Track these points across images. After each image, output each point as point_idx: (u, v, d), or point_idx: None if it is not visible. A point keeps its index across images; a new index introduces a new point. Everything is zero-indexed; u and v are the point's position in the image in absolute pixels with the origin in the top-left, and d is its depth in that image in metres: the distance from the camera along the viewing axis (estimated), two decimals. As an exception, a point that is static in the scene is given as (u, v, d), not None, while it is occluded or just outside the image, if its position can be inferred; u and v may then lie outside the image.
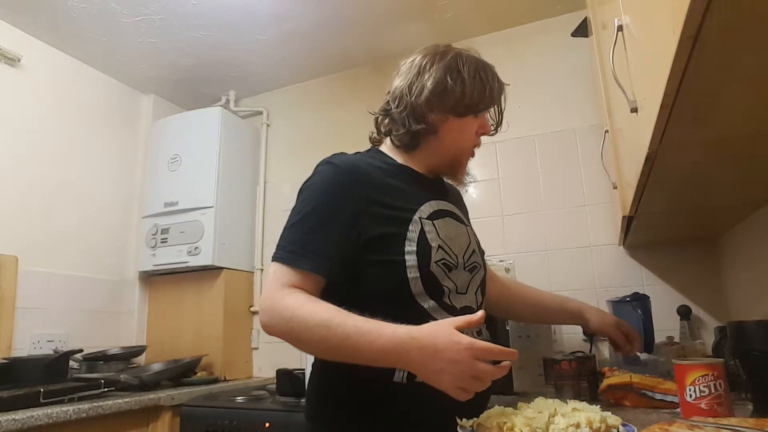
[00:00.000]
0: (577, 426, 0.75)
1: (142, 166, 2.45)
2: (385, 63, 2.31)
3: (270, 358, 2.29)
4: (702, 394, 0.87)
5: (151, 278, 2.37)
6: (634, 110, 0.83)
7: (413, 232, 0.88)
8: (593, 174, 1.87)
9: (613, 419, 0.78)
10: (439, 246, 0.90)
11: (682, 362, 0.92)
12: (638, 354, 1.33)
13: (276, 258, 0.86)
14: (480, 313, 0.76)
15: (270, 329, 0.81)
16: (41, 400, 1.36)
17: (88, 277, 2.15)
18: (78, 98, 2.22)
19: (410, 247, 0.87)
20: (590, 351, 1.71)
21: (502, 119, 1.05)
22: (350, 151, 1.00)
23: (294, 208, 0.91)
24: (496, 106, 1.03)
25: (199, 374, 2.03)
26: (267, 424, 1.44)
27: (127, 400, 1.50)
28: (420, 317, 0.84)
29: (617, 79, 0.87)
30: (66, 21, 1.97)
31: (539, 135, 2.01)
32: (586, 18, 1.71)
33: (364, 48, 2.24)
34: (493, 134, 1.05)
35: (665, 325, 1.60)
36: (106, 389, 1.55)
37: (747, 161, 0.89)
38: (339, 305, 0.79)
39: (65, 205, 2.10)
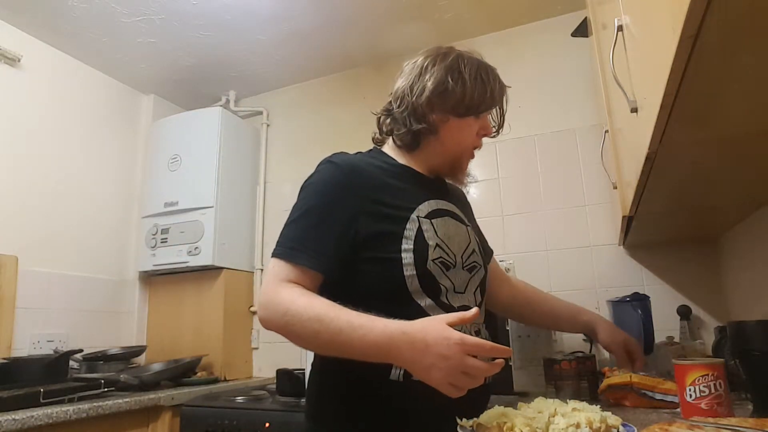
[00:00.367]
0: (577, 426, 0.75)
1: (142, 166, 2.45)
2: (385, 63, 2.31)
3: (270, 358, 2.29)
4: (702, 394, 0.87)
5: (151, 278, 2.37)
6: (634, 110, 0.83)
7: (410, 230, 0.89)
8: (593, 174, 1.87)
9: (613, 419, 0.78)
10: (437, 244, 0.90)
11: (682, 362, 0.92)
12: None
13: (275, 254, 0.87)
14: (474, 310, 0.76)
15: (266, 323, 0.82)
16: (41, 400, 1.36)
17: (88, 277, 2.15)
18: (78, 98, 2.22)
19: (407, 245, 0.88)
20: (590, 351, 1.71)
21: (503, 121, 1.06)
22: (350, 151, 1.00)
23: (294, 205, 0.92)
24: (498, 108, 1.04)
25: (199, 374, 2.03)
26: (267, 424, 1.45)
27: (127, 400, 1.50)
28: (417, 315, 0.83)
29: (617, 79, 0.87)
30: (66, 21, 1.97)
31: (539, 135, 2.01)
32: (586, 18, 1.71)
33: (364, 48, 2.24)
34: (494, 136, 1.06)
35: (665, 325, 1.60)
36: (106, 389, 1.55)
37: (747, 161, 0.89)
38: (335, 302, 0.80)
39: (65, 205, 2.10)
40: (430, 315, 0.84)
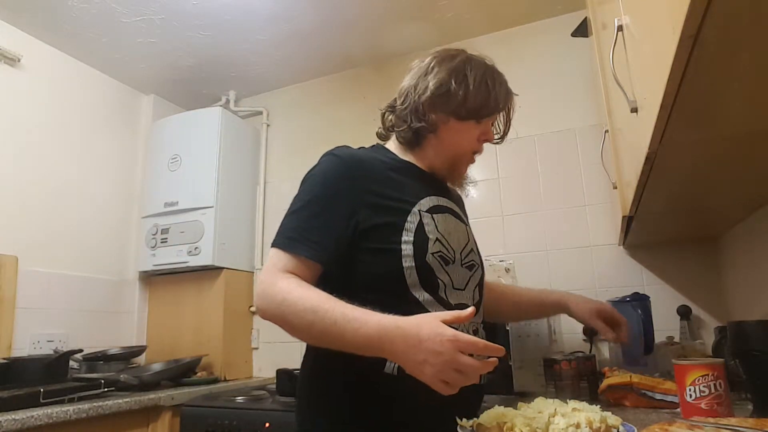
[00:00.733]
0: (577, 426, 0.75)
1: (142, 166, 2.45)
2: (385, 63, 2.31)
3: (270, 358, 2.29)
4: (702, 394, 0.87)
5: (151, 278, 2.37)
6: (634, 110, 0.83)
7: (411, 222, 0.90)
8: (593, 174, 1.87)
9: (613, 419, 0.78)
10: (437, 239, 0.91)
11: (682, 362, 0.92)
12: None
13: (274, 244, 0.87)
14: (470, 309, 0.76)
15: (263, 312, 0.82)
16: (41, 400, 1.36)
17: (88, 277, 2.15)
18: (78, 98, 2.22)
19: (407, 236, 0.88)
20: (590, 351, 1.71)
21: (509, 128, 1.08)
22: (350, 151, 1.01)
23: (296, 196, 0.92)
24: (503, 115, 1.05)
25: (199, 374, 2.03)
26: (267, 424, 1.45)
27: (127, 400, 1.50)
28: (414, 310, 0.83)
29: (617, 79, 0.87)
30: (66, 21, 1.97)
31: (539, 135, 2.01)
32: (586, 18, 1.71)
33: (364, 48, 2.24)
34: (497, 142, 1.08)
35: (665, 325, 1.60)
36: (106, 389, 1.55)
37: (747, 161, 0.89)
38: (333, 294, 0.80)
39: (65, 205, 2.10)
40: (427, 310, 0.86)
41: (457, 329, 0.82)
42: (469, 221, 1.14)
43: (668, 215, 1.34)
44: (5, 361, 1.59)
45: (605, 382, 1.19)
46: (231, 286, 2.21)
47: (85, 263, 2.15)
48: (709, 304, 1.65)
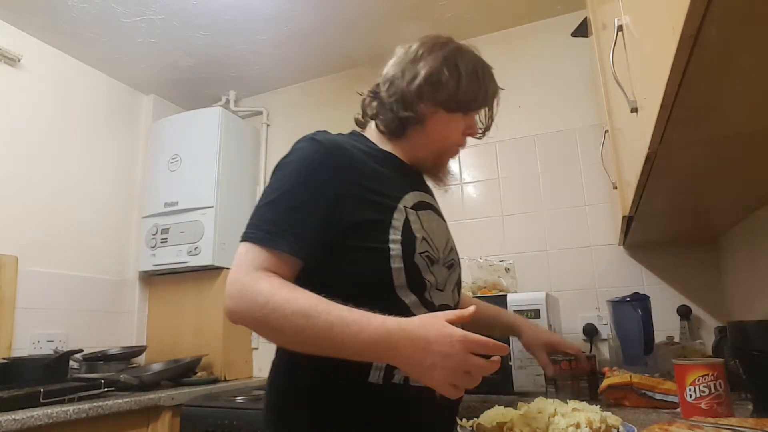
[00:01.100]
0: (577, 426, 0.75)
1: (142, 166, 2.45)
2: (385, 63, 2.31)
3: (270, 358, 2.26)
4: (702, 394, 0.87)
5: (151, 278, 2.37)
6: (634, 110, 0.83)
7: (398, 220, 0.84)
8: (593, 174, 1.87)
9: (613, 419, 0.78)
10: (423, 237, 0.86)
11: (682, 362, 0.92)
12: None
13: (248, 238, 0.78)
14: (471, 308, 0.71)
15: (238, 317, 0.73)
16: (41, 400, 1.36)
17: (88, 277, 2.15)
18: (78, 98, 2.22)
19: (395, 235, 0.82)
20: (590, 351, 1.71)
21: (491, 123, 1.03)
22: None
23: (269, 185, 0.84)
24: (487, 109, 1.01)
25: (199, 374, 2.03)
26: (267, 424, 1.44)
27: (127, 400, 1.50)
28: (399, 313, 0.77)
29: (617, 79, 0.87)
30: (66, 21, 1.97)
31: (539, 135, 2.01)
32: (586, 18, 1.71)
33: (364, 48, 2.24)
34: (479, 137, 1.03)
35: (665, 325, 1.60)
36: (106, 389, 1.55)
37: (747, 161, 0.89)
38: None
39: (65, 205, 2.10)
40: (412, 312, 0.81)
41: None
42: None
43: (668, 215, 1.34)
44: (5, 361, 1.59)
45: (605, 382, 1.19)
46: (231, 286, 2.21)
47: (85, 263, 2.15)
48: (709, 304, 1.65)
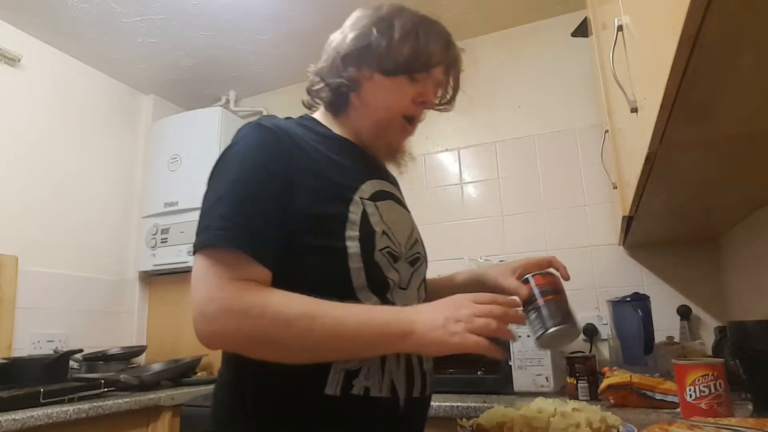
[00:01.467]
0: (577, 426, 0.75)
1: (142, 166, 2.45)
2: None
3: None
4: (702, 394, 0.87)
5: (151, 278, 2.37)
6: (634, 110, 0.83)
7: (355, 213, 0.75)
8: (593, 174, 1.87)
9: (613, 419, 0.78)
10: (384, 231, 0.78)
11: (682, 362, 0.92)
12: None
13: (205, 243, 0.67)
14: (514, 298, 0.70)
15: (225, 339, 0.64)
16: (41, 400, 1.36)
17: (88, 277, 2.15)
18: (78, 98, 2.22)
19: (352, 231, 0.74)
20: (590, 351, 1.71)
21: (455, 93, 0.92)
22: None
23: (214, 179, 0.75)
24: (450, 78, 0.89)
25: (199, 374, 2.03)
26: (267, 424, 1.44)
27: (127, 400, 1.50)
28: None
29: (617, 79, 0.87)
30: (66, 21, 1.97)
31: (539, 135, 2.01)
32: (586, 18, 1.71)
33: (364, 48, 2.24)
34: (441, 109, 0.93)
35: (665, 325, 1.60)
36: (106, 389, 1.55)
37: (747, 161, 0.89)
38: None
39: (65, 205, 2.10)
40: None
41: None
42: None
43: (668, 215, 1.34)
44: (5, 361, 1.59)
45: (605, 382, 1.19)
46: (231, 286, 2.21)
47: (85, 263, 2.15)
48: (709, 304, 1.65)
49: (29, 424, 1.24)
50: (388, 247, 0.78)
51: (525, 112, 2.04)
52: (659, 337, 1.49)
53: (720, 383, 0.87)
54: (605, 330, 1.72)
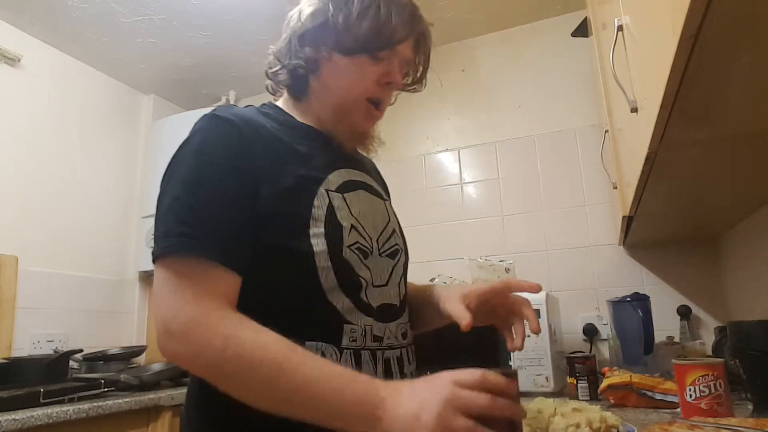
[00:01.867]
0: (577, 426, 0.75)
1: (142, 166, 2.45)
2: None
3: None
4: (702, 394, 0.87)
5: (151, 278, 2.36)
6: (634, 110, 0.83)
7: (319, 208, 0.69)
8: (593, 174, 1.87)
9: (613, 419, 0.78)
10: (352, 226, 0.72)
11: (682, 362, 0.92)
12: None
13: (163, 251, 0.61)
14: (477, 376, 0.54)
15: (185, 361, 0.59)
16: (41, 400, 1.36)
17: (88, 277, 2.15)
18: (78, 98, 2.22)
19: (317, 228, 0.68)
20: (590, 351, 1.71)
21: (425, 72, 0.85)
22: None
23: (170, 177, 0.68)
24: (418, 55, 0.83)
25: (199, 374, 2.03)
26: (267, 424, 1.44)
27: (127, 400, 1.50)
28: (331, 322, 0.67)
29: (617, 79, 0.87)
30: (66, 21, 1.97)
31: (539, 135, 2.01)
32: (586, 18, 1.72)
33: (364, 48, 2.24)
34: (410, 89, 0.86)
35: (665, 325, 1.60)
36: (106, 389, 1.55)
37: (747, 161, 0.89)
38: None
39: (65, 205, 2.10)
40: (346, 319, 0.68)
41: (383, 337, 0.71)
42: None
43: (668, 215, 1.34)
44: (5, 361, 1.59)
45: (605, 382, 1.19)
46: (231, 286, 2.21)
47: (85, 263, 2.15)
48: (709, 304, 1.65)
49: (29, 424, 1.24)
50: (357, 242, 0.72)
51: (525, 112, 2.04)
52: (659, 337, 1.49)
53: (720, 383, 0.87)
54: (605, 330, 1.72)
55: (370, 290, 0.72)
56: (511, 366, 1.48)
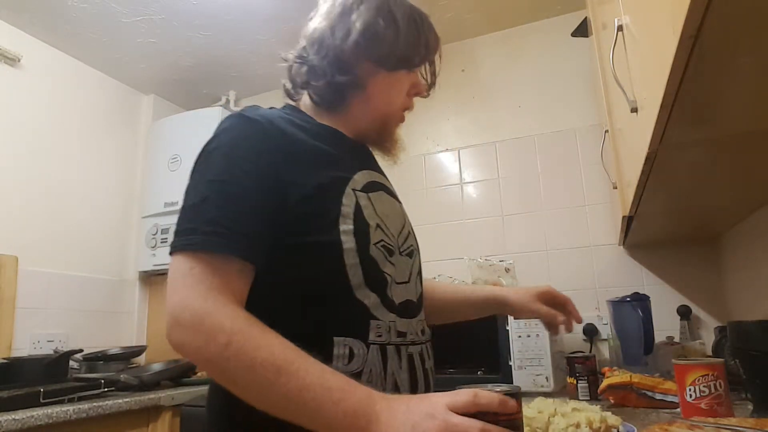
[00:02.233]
0: (577, 426, 0.75)
1: (142, 166, 2.45)
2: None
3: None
4: (702, 394, 0.87)
5: (151, 278, 2.37)
6: (634, 110, 0.83)
7: (348, 206, 0.71)
8: (593, 174, 1.87)
9: (613, 419, 0.79)
10: (378, 224, 0.74)
11: (682, 362, 0.92)
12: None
13: (187, 246, 0.62)
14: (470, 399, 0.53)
15: (188, 352, 0.60)
16: (41, 400, 1.36)
17: (88, 277, 2.15)
18: (78, 98, 2.22)
19: (346, 225, 0.70)
20: (590, 351, 1.71)
21: (435, 80, 0.90)
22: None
23: (196, 178, 0.68)
24: (429, 64, 0.88)
25: (199, 374, 2.03)
26: (267, 424, 1.44)
27: (127, 400, 1.50)
28: (358, 318, 0.68)
29: (617, 79, 0.87)
30: (66, 21, 1.97)
31: (539, 135, 2.01)
32: (586, 18, 1.71)
33: (364, 48, 2.24)
34: (426, 96, 0.90)
35: (665, 325, 1.60)
36: (106, 389, 1.55)
37: (747, 161, 0.89)
38: (249, 307, 0.63)
39: (65, 205, 2.10)
40: (374, 316, 0.70)
41: (406, 333, 0.73)
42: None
43: (668, 215, 1.34)
44: (5, 361, 1.59)
45: (605, 382, 1.19)
46: (231, 286, 2.21)
47: (85, 263, 2.15)
48: (709, 304, 1.65)
49: (29, 424, 1.24)
50: (382, 240, 0.74)
51: (525, 112, 2.04)
52: (659, 337, 1.49)
53: (720, 383, 0.87)
54: (605, 330, 1.72)
55: (394, 287, 0.74)
56: (511, 366, 1.48)
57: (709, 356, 1.40)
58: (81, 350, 1.84)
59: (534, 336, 1.52)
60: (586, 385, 1.32)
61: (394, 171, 0.94)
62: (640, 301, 1.44)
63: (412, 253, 0.82)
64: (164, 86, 2.50)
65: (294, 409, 0.56)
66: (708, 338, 1.57)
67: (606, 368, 1.28)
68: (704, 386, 0.87)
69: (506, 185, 2.03)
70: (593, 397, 1.29)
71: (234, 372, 0.57)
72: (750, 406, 0.93)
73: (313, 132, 0.77)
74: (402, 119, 0.87)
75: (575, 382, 1.34)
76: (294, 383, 0.55)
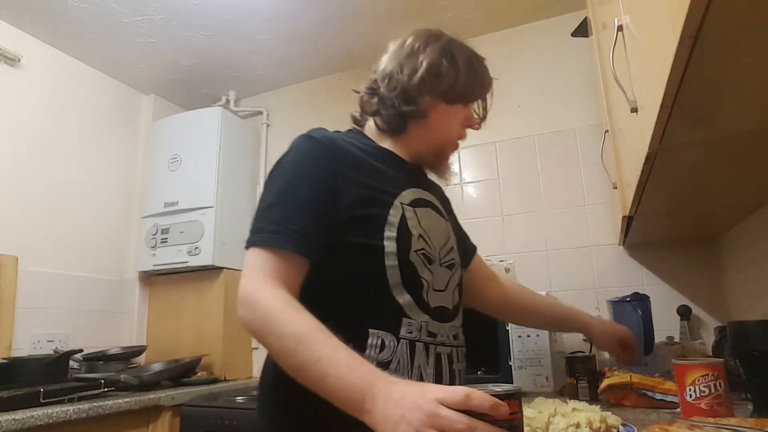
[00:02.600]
0: (577, 426, 0.75)
1: (142, 166, 2.45)
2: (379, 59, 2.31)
3: (270, 358, 2.28)
4: (702, 394, 0.87)
5: (151, 278, 2.37)
6: (634, 110, 0.83)
7: (394, 216, 0.83)
8: (593, 174, 1.87)
9: (613, 419, 0.79)
10: (420, 235, 0.85)
11: (682, 362, 0.92)
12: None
13: (255, 242, 0.77)
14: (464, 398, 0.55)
15: (245, 324, 0.73)
16: (41, 400, 1.36)
17: (88, 277, 2.15)
18: (78, 98, 2.22)
19: (390, 232, 0.81)
20: (590, 351, 1.71)
21: (486, 115, 1.04)
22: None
23: (268, 185, 0.84)
24: (482, 101, 1.02)
25: (199, 374, 2.03)
26: (267, 424, 1.44)
27: (127, 400, 1.50)
28: (391, 314, 0.78)
29: (617, 79, 0.87)
30: (66, 21, 1.97)
31: (539, 135, 2.01)
32: (586, 18, 1.71)
33: (363, 48, 2.24)
34: (477, 128, 1.03)
35: (665, 325, 1.60)
36: (106, 389, 1.55)
37: (747, 161, 0.89)
38: (303, 294, 0.75)
39: (65, 205, 2.10)
40: (406, 314, 0.79)
41: (437, 334, 0.82)
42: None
43: (668, 215, 1.34)
44: (5, 361, 1.59)
45: (605, 382, 1.19)
46: (231, 286, 2.21)
47: (85, 263, 2.15)
48: (709, 304, 1.65)
49: (29, 424, 1.24)
50: (423, 249, 0.84)
51: (525, 112, 2.04)
52: (659, 337, 1.49)
53: (720, 383, 0.87)
54: (605, 330, 1.72)
55: (431, 292, 0.84)
56: (511, 366, 1.48)
57: (709, 356, 1.40)
58: (81, 350, 1.84)
59: (534, 336, 1.52)
60: (586, 385, 1.32)
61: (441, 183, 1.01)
62: (640, 301, 1.43)
63: (453, 266, 0.91)
64: (164, 86, 2.50)
65: (307, 376, 0.66)
66: (708, 338, 1.57)
67: (606, 368, 1.28)
68: (704, 386, 0.87)
69: (506, 185, 2.03)
70: (593, 397, 1.29)
71: (267, 339, 0.70)
72: (750, 406, 0.93)
73: (371, 152, 0.90)
74: (456, 146, 0.99)
75: (575, 382, 1.34)
76: (310, 354, 0.65)
